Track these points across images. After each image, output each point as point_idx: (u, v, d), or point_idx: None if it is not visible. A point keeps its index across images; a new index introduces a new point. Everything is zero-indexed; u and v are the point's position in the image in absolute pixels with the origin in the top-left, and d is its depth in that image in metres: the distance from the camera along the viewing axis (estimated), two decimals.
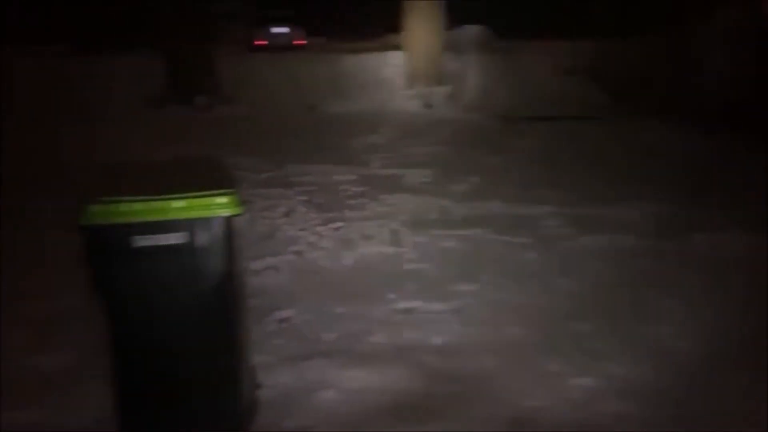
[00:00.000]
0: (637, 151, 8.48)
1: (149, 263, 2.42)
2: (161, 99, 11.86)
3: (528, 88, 12.83)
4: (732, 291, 4.15)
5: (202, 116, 11.13)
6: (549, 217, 5.66)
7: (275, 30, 20.65)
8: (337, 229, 5.45)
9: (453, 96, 12.71)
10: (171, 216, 2.42)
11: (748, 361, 3.35)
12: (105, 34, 17.49)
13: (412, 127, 10.36)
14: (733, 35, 10.31)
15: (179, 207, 2.43)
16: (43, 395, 3.12)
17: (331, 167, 7.45)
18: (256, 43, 20.20)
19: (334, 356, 3.43)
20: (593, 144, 9.00)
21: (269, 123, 10.56)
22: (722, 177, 6.98)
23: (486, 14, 16.19)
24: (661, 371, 3.28)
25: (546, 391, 3.12)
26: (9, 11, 18.38)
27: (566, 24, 16.55)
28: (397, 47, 14.48)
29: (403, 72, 13.69)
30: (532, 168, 7.50)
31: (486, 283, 4.35)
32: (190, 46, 12.41)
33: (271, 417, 2.87)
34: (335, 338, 3.65)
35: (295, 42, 20.40)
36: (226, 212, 2.45)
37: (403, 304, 4.06)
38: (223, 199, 2.46)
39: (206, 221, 2.43)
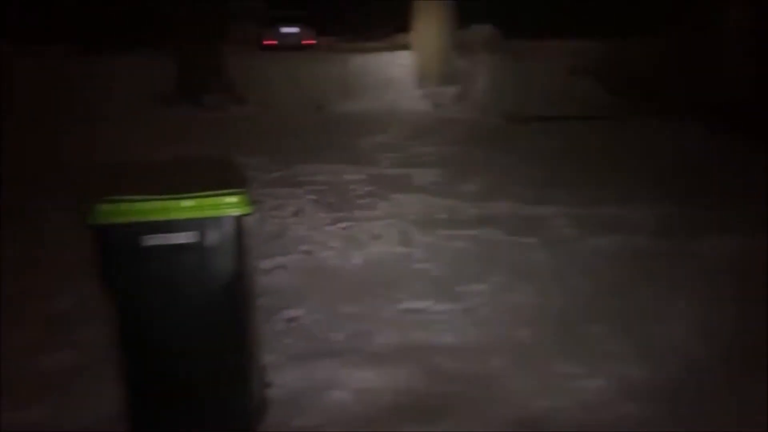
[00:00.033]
0: (645, 151, 8.44)
1: (159, 262, 2.43)
2: (170, 99, 11.89)
3: (536, 88, 12.78)
4: (746, 293, 4.11)
5: (211, 116, 11.15)
6: (558, 218, 5.64)
7: (285, 30, 20.68)
8: (345, 228, 5.45)
9: (461, 96, 12.69)
10: (181, 215, 2.42)
11: (760, 362, 3.33)
12: (112, 34, 17.55)
13: (420, 126, 10.34)
14: (739, 35, 10.26)
15: (189, 206, 2.44)
16: (46, 394, 3.14)
17: (340, 167, 7.45)
18: (266, 42, 20.23)
19: (343, 356, 3.43)
20: (601, 144, 8.96)
21: (278, 122, 10.57)
22: (731, 177, 6.94)
23: (494, 14, 16.16)
24: (672, 372, 3.27)
25: (556, 393, 3.11)
26: (10, 11, 18.47)
27: (573, 24, 16.49)
28: (405, 47, 14.48)
29: (411, 72, 13.68)
30: (540, 168, 7.47)
31: (495, 284, 4.33)
32: (200, 45, 12.45)
33: (280, 416, 2.87)
34: (344, 338, 3.65)
35: (304, 42, 20.43)
36: (235, 212, 2.45)
37: (412, 304, 4.05)
38: (233, 199, 2.47)
39: (216, 220, 2.44)
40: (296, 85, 13.34)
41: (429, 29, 13.46)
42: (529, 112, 11.18)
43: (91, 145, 8.55)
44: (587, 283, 4.34)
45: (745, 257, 4.67)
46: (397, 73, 13.89)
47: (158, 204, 2.44)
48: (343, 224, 5.54)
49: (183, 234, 2.42)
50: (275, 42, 20.24)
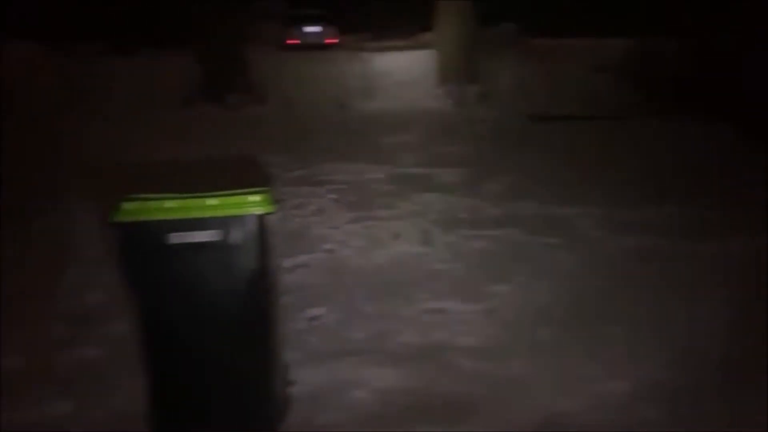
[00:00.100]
0: (671, 151, 8.33)
1: (183, 260, 2.45)
2: (192, 98, 11.97)
3: (560, 87, 12.69)
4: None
5: (233, 115, 11.21)
6: (581, 218, 5.59)
7: (308, 29, 20.76)
8: (367, 227, 5.45)
9: (484, 95, 12.63)
10: (204, 213, 2.44)
11: None
12: (135, 34, 17.72)
13: (443, 125, 10.31)
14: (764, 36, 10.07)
15: (213, 205, 2.46)
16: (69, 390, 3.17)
17: (361, 166, 7.45)
18: (289, 41, 20.32)
19: (364, 355, 3.44)
20: (626, 144, 8.86)
21: (300, 121, 10.60)
22: (759, 178, 6.82)
23: (517, 13, 16.08)
24: (693, 375, 3.22)
25: (578, 394, 3.08)
26: (41, 10, 18.74)
27: (597, 22, 16.35)
28: (428, 46, 14.45)
29: (433, 70, 13.64)
30: (564, 168, 7.41)
31: (518, 284, 4.31)
32: (224, 45, 12.52)
33: (302, 414, 2.88)
34: (365, 337, 3.65)
35: (327, 41, 20.49)
36: (258, 210, 2.47)
37: (433, 304, 4.04)
38: (256, 197, 2.48)
39: (239, 219, 2.45)
40: (318, 84, 13.38)
41: (451, 28, 13.41)
42: (553, 112, 11.09)
43: (114, 145, 8.62)
44: (611, 284, 4.29)
45: None
46: (420, 71, 13.87)
47: (182, 202, 2.46)
48: (365, 223, 5.54)
49: (207, 232, 2.44)
50: (298, 41, 20.33)
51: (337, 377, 3.22)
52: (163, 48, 14.82)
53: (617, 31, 14.35)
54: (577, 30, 16.06)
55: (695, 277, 4.38)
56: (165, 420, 2.58)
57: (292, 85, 13.12)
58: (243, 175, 6.81)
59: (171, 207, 2.44)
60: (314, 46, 19.56)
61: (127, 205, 2.42)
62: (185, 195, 2.49)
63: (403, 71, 13.90)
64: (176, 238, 2.43)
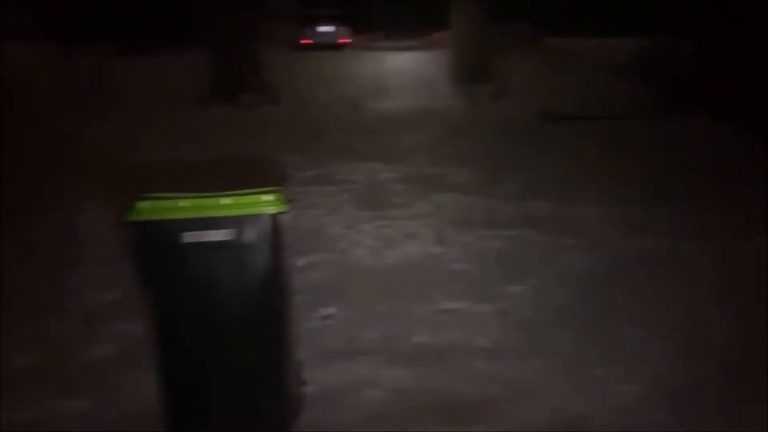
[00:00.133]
0: (687, 151, 8.25)
1: (196, 259, 2.44)
2: (206, 98, 12.02)
3: (575, 87, 12.63)
4: None
5: (247, 115, 11.25)
6: (597, 218, 5.54)
7: (321, 29, 20.82)
8: (380, 227, 5.44)
9: (498, 94, 12.59)
10: (218, 213, 2.44)
11: None
12: (149, 34, 17.83)
13: (457, 125, 10.28)
14: None
15: (226, 204, 2.45)
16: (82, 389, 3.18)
17: (375, 165, 7.44)
18: (302, 41, 20.40)
19: (377, 355, 3.42)
20: (642, 144, 8.79)
21: (314, 121, 10.61)
22: None
23: (532, 11, 16.01)
24: (710, 378, 3.18)
25: (593, 397, 3.05)
26: (53, 11, 18.90)
27: (610, 21, 16.24)
28: (441, 45, 14.42)
29: (447, 70, 13.63)
30: (579, 168, 7.36)
31: (532, 285, 4.28)
32: (237, 45, 12.56)
33: (315, 414, 2.87)
34: (379, 337, 3.63)
35: (340, 41, 20.56)
36: (272, 209, 2.46)
37: (447, 305, 4.02)
38: (270, 197, 2.47)
39: (253, 218, 2.44)
40: (332, 83, 13.41)
41: (465, 27, 13.39)
42: (568, 111, 11.03)
43: (126, 145, 8.67)
44: (627, 285, 4.25)
45: None
46: (433, 71, 13.87)
47: (196, 202, 2.46)
48: (378, 223, 5.52)
49: (220, 231, 2.44)
50: (311, 41, 20.39)
51: (350, 377, 3.21)
52: (175, 48, 14.90)
53: (632, 31, 14.25)
54: (590, 29, 15.96)
55: (716, 278, 4.33)
56: (177, 419, 2.58)
57: (305, 85, 13.15)
58: (256, 174, 6.83)
59: (184, 206, 2.44)
60: (327, 46, 19.62)
61: (141, 205, 2.43)
62: (199, 194, 2.48)
63: (416, 71, 13.90)
64: (190, 237, 2.42)
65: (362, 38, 21.34)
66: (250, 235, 2.45)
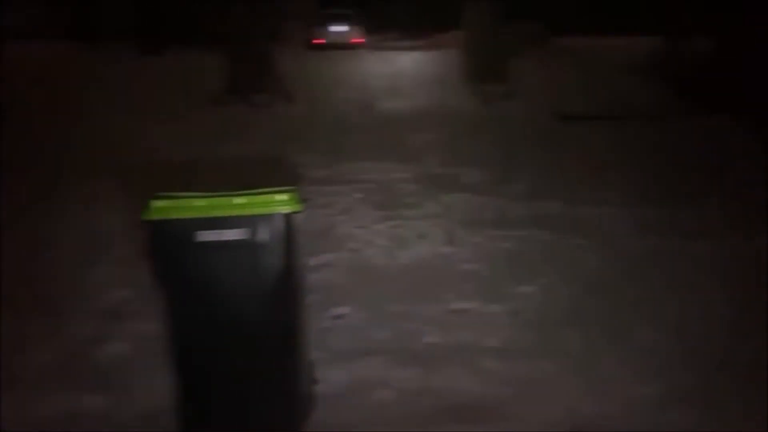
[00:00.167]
0: (703, 151, 8.20)
1: (211, 258, 2.46)
2: (220, 97, 12.08)
3: (589, 86, 12.58)
4: None
5: (260, 114, 11.29)
6: (609, 218, 5.53)
7: (334, 28, 20.85)
8: (393, 227, 5.45)
9: (510, 94, 12.57)
10: (232, 212, 2.46)
11: None
12: (164, 33, 17.90)
13: (469, 125, 10.27)
14: None
15: (240, 203, 2.47)
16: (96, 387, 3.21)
17: (387, 165, 7.45)
18: (315, 41, 20.43)
19: (389, 355, 3.43)
20: (656, 144, 8.75)
21: (326, 120, 10.64)
22: None
23: (546, 10, 15.96)
24: (723, 380, 3.18)
25: (603, 397, 3.05)
26: (67, 10, 19.05)
27: (624, 20, 16.15)
28: (454, 45, 14.41)
29: (460, 70, 13.61)
30: (592, 168, 7.33)
31: (543, 286, 4.28)
32: (251, 44, 12.61)
33: (327, 413, 2.89)
34: (390, 337, 3.65)
35: (353, 40, 20.56)
36: (286, 209, 2.48)
37: (458, 305, 4.03)
38: (284, 196, 2.49)
39: (267, 218, 2.47)
40: (344, 83, 13.43)
41: (478, 27, 13.36)
42: (581, 111, 10.99)
43: (141, 143, 8.72)
44: (638, 285, 4.24)
45: None
46: (446, 71, 13.86)
47: (210, 201, 2.48)
48: (391, 223, 5.54)
49: (234, 230, 2.46)
50: (324, 41, 20.43)
51: (362, 377, 3.23)
52: (190, 47, 14.97)
53: (648, 30, 14.15)
54: (604, 28, 15.88)
55: (730, 278, 4.31)
56: (190, 417, 2.60)
57: (318, 84, 13.17)
58: (270, 173, 6.86)
59: (199, 205, 2.46)
60: (340, 46, 19.64)
61: (156, 203, 2.45)
62: (213, 193, 2.51)
63: (428, 70, 13.89)
64: (204, 236, 2.45)
65: (375, 38, 21.35)
66: (264, 234, 2.47)
